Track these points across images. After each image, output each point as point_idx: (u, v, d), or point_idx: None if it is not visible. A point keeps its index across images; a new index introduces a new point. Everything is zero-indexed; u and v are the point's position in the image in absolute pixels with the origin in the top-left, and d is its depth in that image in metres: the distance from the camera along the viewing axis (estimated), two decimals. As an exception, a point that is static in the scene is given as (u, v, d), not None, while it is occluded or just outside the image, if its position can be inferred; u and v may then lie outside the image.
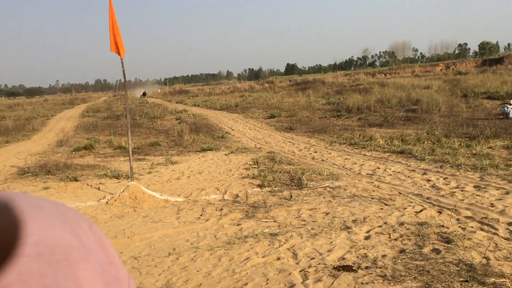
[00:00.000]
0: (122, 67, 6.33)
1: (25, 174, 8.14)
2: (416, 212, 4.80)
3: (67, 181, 7.45)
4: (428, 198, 5.33)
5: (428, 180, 6.21)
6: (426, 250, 3.67)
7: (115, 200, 6.05)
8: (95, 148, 11.28)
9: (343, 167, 7.71)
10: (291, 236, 4.24)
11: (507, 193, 5.21)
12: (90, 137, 13.83)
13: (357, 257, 3.65)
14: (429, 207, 4.95)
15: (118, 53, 6.19)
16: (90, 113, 24.94)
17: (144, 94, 49.43)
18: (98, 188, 6.98)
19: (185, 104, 31.21)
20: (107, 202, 6.09)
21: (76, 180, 7.51)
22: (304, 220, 4.73)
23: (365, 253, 3.70)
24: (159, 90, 57.78)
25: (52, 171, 8.20)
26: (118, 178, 7.66)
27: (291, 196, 5.75)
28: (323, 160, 8.49)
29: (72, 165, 8.72)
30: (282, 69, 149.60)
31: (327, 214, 4.90)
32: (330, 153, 9.16)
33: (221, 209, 5.44)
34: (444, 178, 6.23)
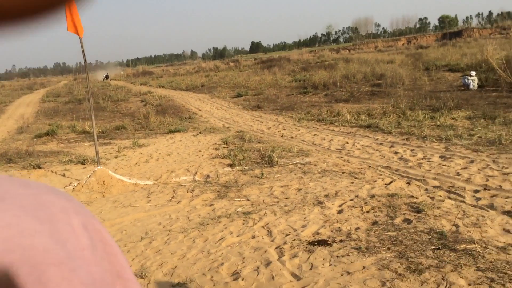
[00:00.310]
0: (82, 47, 6.06)
1: (-17, 164, 7.77)
2: (386, 184, 4.88)
3: (30, 169, 7.15)
4: (396, 170, 5.43)
5: (396, 153, 6.33)
6: (397, 220, 3.75)
7: (82, 186, 5.86)
8: (58, 134, 10.89)
9: (313, 143, 7.75)
10: (264, 214, 4.23)
11: (472, 161, 5.38)
12: (52, 122, 13.32)
13: (331, 231, 3.68)
14: (398, 178, 5.04)
15: (77, 33, 5.89)
16: (50, 98, 24.01)
17: (106, 77, 46.75)
18: (64, 175, 6.74)
19: (149, 85, 30.52)
20: (73, 188, 5.90)
21: (39, 167, 7.23)
22: (277, 198, 4.73)
23: (339, 227, 3.74)
24: (122, 72, 56.02)
25: (13, 159, 7.85)
26: (84, 164, 7.42)
27: (263, 174, 5.74)
28: (292, 137, 8.51)
29: (34, 152, 8.38)
30: (247, 48, 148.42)
31: (299, 190, 4.92)
32: (299, 130, 9.19)
33: (193, 191, 5.37)
34: (411, 150, 6.36)
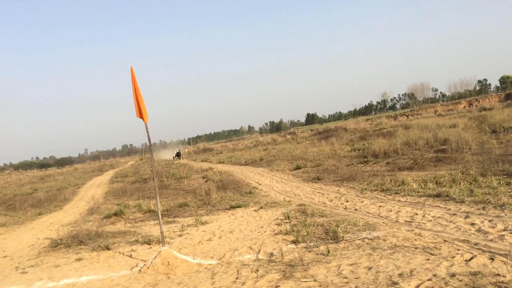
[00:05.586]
0: (147, 132, 6.41)
1: (57, 246, 8.12)
2: (465, 260, 4.47)
3: (99, 251, 7.37)
4: (476, 244, 5.00)
5: (473, 224, 5.87)
6: (485, 304, 3.36)
7: (148, 267, 5.90)
8: (125, 213, 11.29)
9: (379, 215, 7.41)
10: (334, 296, 3.97)
11: (562, 232, 4.84)
12: (119, 202, 13.91)
13: (410, 316, 3.35)
14: (479, 253, 4.62)
15: (143, 119, 6.30)
16: (118, 179, 25.31)
17: (178, 155, 43.04)
18: (130, 256, 6.86)
19: (210, 162, 31.46)
20: (140, 270, 5.95)
21: (108, 248, 7.43)
22: (346, 278, 4.45)
23: (418, 311, 3.41)
24: (186, 150, 58.02)
25: (84, 241, 8.16)
26: (150, 244, 7.54)
27: (329, 251, 5.49)
28: (356, 210, 8.21)
29: (103, 233, 8.69)
30: (303, 120, 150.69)
31: (369, 269, 4.62)
32: (362, 202, 8.88)
33: (257, 270, 5.21)
34: (489, 221, 5.88)
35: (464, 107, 57.07)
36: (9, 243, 9.37)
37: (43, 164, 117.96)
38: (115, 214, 11.18)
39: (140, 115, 6.29)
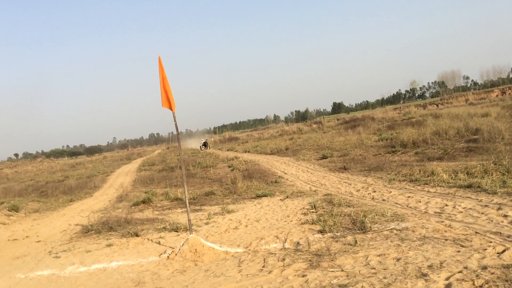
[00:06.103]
0: (175, 121, 6.48)
1: (88, 232, 8.36)
2: (498, 253, 4.35)
3: (128, 237, 7.55)
4: (508, 236, 4.86)
5: (505, 216, 5.70)
6: (519, 298, 3.27)
7: (176, 254, 6.01)
8: (153, 201, 11.49)
9: (407, 206, 7.29)
10: (362, 287, 3.94)
11: None
12: (147, 190, 14.17)
13: (440, 308, 3.30)
14: (512, 246, 4.49)
15: (170, 108, 6.36)
16: (146, 167, 25.75)
17: (205, 144, 40.94)
18: (159, 243, 6.99)
19: (235, 151, 31.59)
20: (168, 257, 6.06)
21: (137, 235, 7.60)
22: (374, 268, 4.41)
23: (449, 304, 3.35)
24: (212, 139, 58.21)
25: (114, 228, 8.37)
26: (177, 231, 7.67)
27: (356, 241, 5.45)
28: (384, 200, 8.11)
29: (132, 220, 8.88)
30: (329, 109, 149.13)
31: (398, 260, 4.56)
32: (390, 192, 8.75)
33: (284, 259, 5.23)
34: (523, 213, 5.70)
35: (496, 95, 55.12)
36: (42, 228, 9.71)
37: (73, 152, 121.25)
38: (143, 202, 11.40)
39: (167, 104, 6.35)
